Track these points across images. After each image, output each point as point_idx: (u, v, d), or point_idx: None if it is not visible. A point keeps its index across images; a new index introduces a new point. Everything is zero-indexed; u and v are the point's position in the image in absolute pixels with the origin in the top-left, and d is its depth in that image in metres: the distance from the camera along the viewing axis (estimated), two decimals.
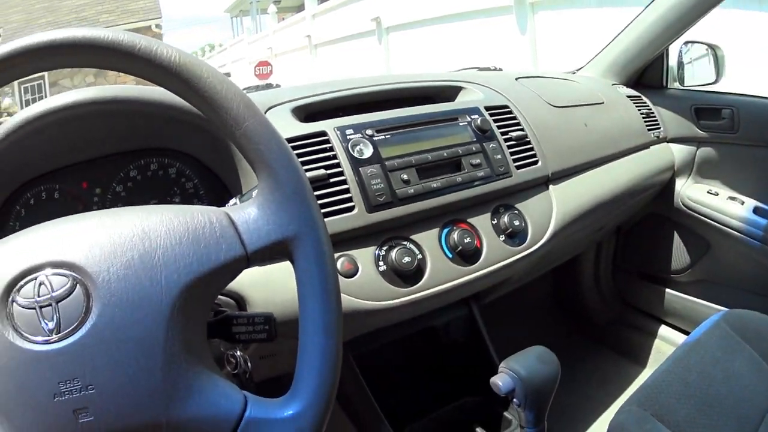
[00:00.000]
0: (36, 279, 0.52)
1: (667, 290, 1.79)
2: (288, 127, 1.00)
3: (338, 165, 0.97)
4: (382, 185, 0.97)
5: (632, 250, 1.90)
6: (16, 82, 12.68)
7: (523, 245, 1.09)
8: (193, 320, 0.55)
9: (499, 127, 1.16)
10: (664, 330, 1.81)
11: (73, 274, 0.52)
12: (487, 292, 1.25)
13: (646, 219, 1.80)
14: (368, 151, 0.99)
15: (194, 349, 0.54)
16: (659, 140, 1.64)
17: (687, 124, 1.66)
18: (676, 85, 1.72)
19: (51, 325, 0.50)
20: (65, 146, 0.95)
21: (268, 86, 1.48)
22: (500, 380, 0.87)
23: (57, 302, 0.51)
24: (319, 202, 0.89)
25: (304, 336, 0.56)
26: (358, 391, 1.13)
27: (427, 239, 1.01)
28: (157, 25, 13.45)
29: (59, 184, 0.98)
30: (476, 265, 1.03)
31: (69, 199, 0.99)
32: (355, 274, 0.93)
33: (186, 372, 0.52)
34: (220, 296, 0.80)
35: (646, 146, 1.58)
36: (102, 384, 0.50)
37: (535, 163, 1.19)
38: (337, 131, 1.00)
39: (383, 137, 1.03)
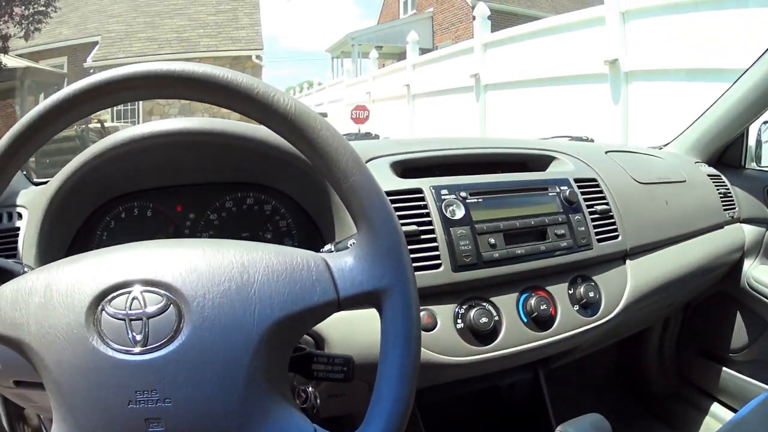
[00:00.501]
0: (129, 293, 0.56)
1: (724, 368, 1.77)
2: (386, 180, 1.05)
3: (430, 223, 1.02)
4: (469, 247, 1.02)
5: (696, 327, 1.89)
6: None
7: (595, 316, 1.12)
8: (278, 353, 0.58)
9: (585, 200, 1.20)
10: (716, 407, 1.78)
11: (168, 294, 0.56)
12: (556, 358, 1.27)
13: (712, 297, 1.79)
14: (460, 213, 1.04)
15: (274, 380, 0.58)
16: (733, 220, 1.64)
17: (759, 205, 1.67)
18: (753, 165, 1.73)
19: (138, 337, 0.55)
20: (165, 169, 1.02)
21: (367, 135, 1.56)
22: None
23: (148, 318, 0.55)
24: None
25: (380, 381, 0.59)
26: None
27: (506, 302, 1.05)
28: (258, 56, 13.60)
29: (153, 203, 1.05)
30: (548, 331, 1.06)
31: (161, 219, 1.06)
32: (433, 328, 0.98)
33: (263, 399, 0.56)
34: None
35: (720, 226, 1.58)
36: (180, 399, 0.53)
37: (616, 237, 1.21)
38: (432, 190, 1.05)
39: (476, 200, 1.07)
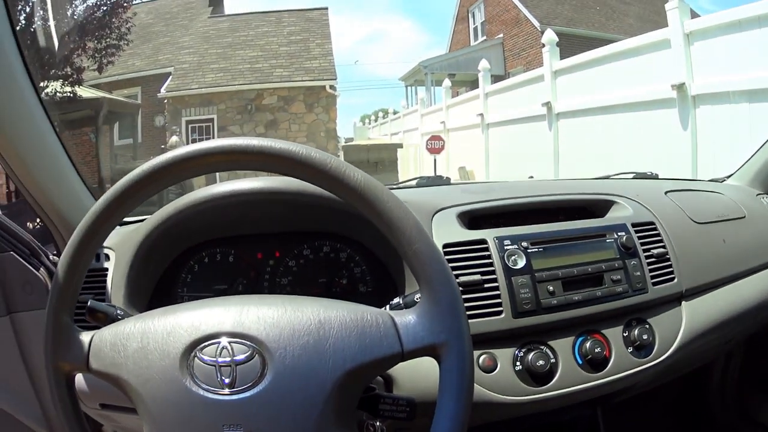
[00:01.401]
0: (219, 343, 0.68)
1: None
2: (454, 232, 1.17)
3: (493, 272, 1.12)
4: (529, 294, 1.11)
5: (760, 363, 1.88)
6: (184, 120, 13.57)
7: (648, 357, 1.18)
8: (348, 397, 0.70)
9: (642, 244, 1.26)
10: None
11: (254, 345, 0.68)
12: (613, 396, 1.31)
13: None
14: (521, 262, 1.14)
15: (344, 420, 0.69)
16: None
17: None
18: None
19: (227, 380, 0.66)
20: (246, 220, 1.14)
21: (439, 178, 1.68)
22: None
23: (236, 365, 0.67)
24: (472, 304, 1.08)
25: (436, 422, 0.69)
26: None
27: (563, 346, 1.13)
28: (332, 86, 13.71)
29: (235, 249, 1.18)
30: (602, 372, 1.13)
31: (243, 265, 1.18)
32: (493, 370, 1.08)
33: None
34: None
35: None
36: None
37: (672, 280, 1.26)
38: (496, 241, 1.15)
39: (536, 250, 1.16)
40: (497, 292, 1.11)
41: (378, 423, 0.88)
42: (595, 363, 1.13)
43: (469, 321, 1.03)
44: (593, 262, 1.19)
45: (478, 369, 1.07)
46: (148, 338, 0.71)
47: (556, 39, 8.83)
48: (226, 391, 0.66)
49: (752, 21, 5.28)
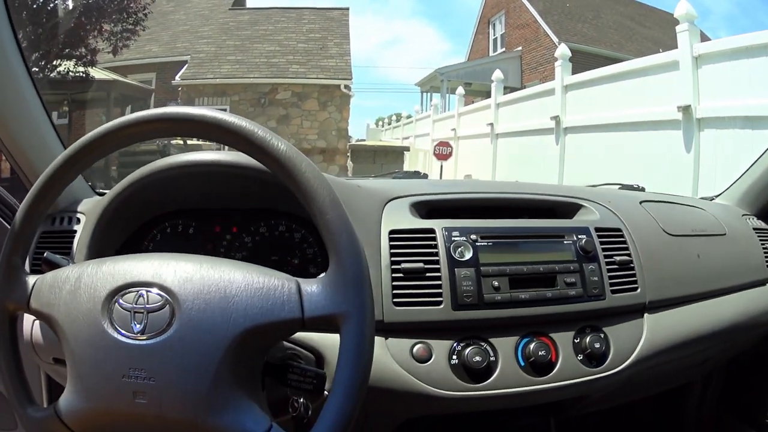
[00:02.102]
0: (138, 291, 0.73)
1: None
2: (404, 220, 1.14)
3: (437, 262, 1.09)
4: (471, 288, 1.07)
5: (739, 389, 1.81)
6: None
7: (600, 368, 1.13)
8: (247, 357, 0.72)
9: (604, 249, 1.21)
10: None
11: (166, 296, 0.72)
12: (565, 405, 1.28)
13: (756, 358, 1.71)
14: (468, 254, 1.10)
15: (240, 377, 0.71)
16: None
17: None
18: None
19: (139, 327, 0.71)
20: (208, 193, 1.15)
21: (416, 173, 1.67)
22: None
23: (148, 312, 0.71)
24: (412, 291, 1.06)
25: (331, 394, 0.70)
26: None
27: (504, 344, 1.09)
28: (347, 86, 13.92)
29: (196, 221, 1.19)
30: (547, 377, 1.09)
31: (201, 238, 1.20)
32: (427, 360, 1.04)
33: (228, 392, 0.69)
34: (302, 349, 0.97)
35: (761, 283, 1.52)
36: (161, 380, 0.68)
37: (634, 289, 1.21)
38: (444, 231, 1.12)
39: (485, 243, 1.13)
40: (438, 282, 1.08)
41: (302, 400, 0.87)
42: (538, 366, 1.09)
43: (408, 308, 1.05)
44: (547, 262, 1.15)
45: (411, 358, 1.04)
46: (80, 282, 0.75)
47: (569, 54, 8.88)
48: (137, 336, 0.70)
49: (761, 48, 5.29)
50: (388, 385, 1.03)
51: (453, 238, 1.11)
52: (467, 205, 1.26)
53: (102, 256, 1.10)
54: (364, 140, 13.51)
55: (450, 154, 11.55)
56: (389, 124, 22.09)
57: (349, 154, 13.02)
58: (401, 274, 1.07)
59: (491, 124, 10.97)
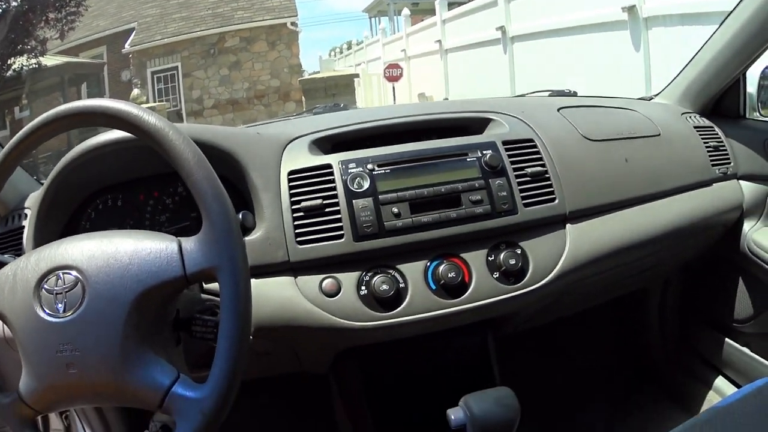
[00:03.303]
0: (57, 274, 0.81)
1: (729, 340, 1.70)
2: (300, 158, 1.17)
3: (336, 196, 1.11)
4: (371, 217, 1.09)
5: (698, 292, 1.83)
6: (149, 72, 14.22)
7: (519, 284, 1.14)
8: (146, 316, 0.80)
9: (513, 162, 1.21)
10: (720, 381, 1.73)
11: (78, 275, 0.80)
12: (500, 324, 1.30)
13: (713, 261, 1.72)
14: (365, 185, 1.12)
15: (146, 336, 0.80)
16: (726, 177, 1.55)
17: (760, 160, 1.56)
18: (756, 115, 1.62)
19: (61, 306, 0.79)
20: (123, 167, 1.21)
21: (336, 106, 1.66)
22: (453, 413, 0.96)
23: (66, 292, 0.80)
24: (313, 228, 1.09)
25: (217, 344, 0.78)
26: (356, 396, 1.28)
27: (412, 270, 1.11)
28: (293, 23, 14.12)
29: (122, 194, 1.25)
30: (460, 299, 1.11)
31: (128, 207, 1.25)
32: (336, 294, 1.08)
33: (136, 351, 0.78)
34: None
35: (706, 183, 1.51)
36: (84, 350, 0.78)
37: (551, 201, 1.21)
38: (341, 165, 1.14)
39: (383, 171, 1.14)
40: (338, 216, 1.10)
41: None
42: (450, 288, 1.11)
43: (312, 245, 1.09)
44: (447, 182, 1.16)
45: (321, 294, 1.08)
46: (16, 277, 0.84)
47: None
48: (61, 315, 0.79)
49: None
50: (302, 323, 1.07)
51: (350, 170, 1.13)
52: (370, 134, 1.26)
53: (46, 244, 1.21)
54: (318, 72, 13.73)
55: (401, 76, 11.93)
56: (341, 53, 22.33)
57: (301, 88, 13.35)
58: (302, 213, 1.10)
59: (439, 41, 11.25)
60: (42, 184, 1.39)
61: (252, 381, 1.12)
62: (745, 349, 1.66)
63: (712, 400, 1.73)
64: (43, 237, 1.14)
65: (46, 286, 0.81)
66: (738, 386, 1.67)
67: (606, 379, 2.02)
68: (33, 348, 0.81)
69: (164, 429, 0.96)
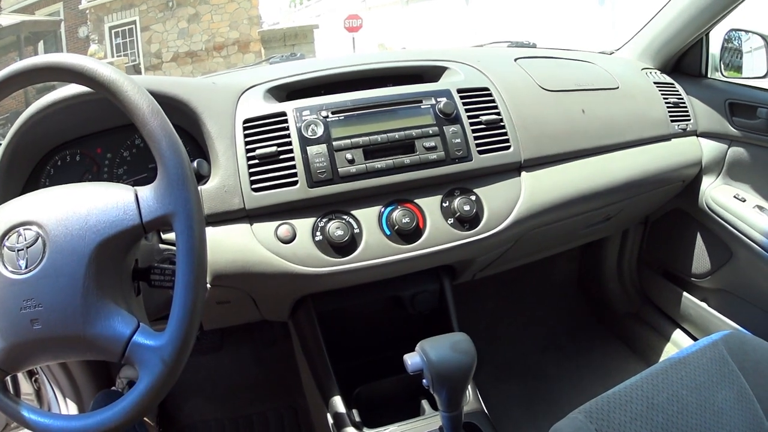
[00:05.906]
0: (17, 231, 0.84)
1: (687, 294, 1.80)
2: (255, 107, 1.20)
3: (290, 143, 1.15)
4: (325, 163, 1.14)
5: (657, 245, 1.91)
6: (107, 27, 14.19)
7: (474, 231, 1.20)
8: (106, 266, 0.84)
9: (468, 110, 1.26)
10: (677, 334, 1.83)
11: (38, 230, 0.83)
12: (457, 270, 1.37)
13: (672, 214, 1.80)
14: (319, 131, 1.16)
15: (106, 287, 0.83)
16: (686, 133, 1.63)
17: (719, 119, 1.63)
18: (718, 75, 1.68)
19: (23, 263, 0.82)
20: (80, 122, 1.23)
21: (292, 56, 1.68)
22: (410, 359, 0.99)
23: (27, 248, 0.83)
24: (268, 175, 1.13)
25: (175, 288, 0.82)
26: (315, 343, 1.32)
27: (367, 216, 1.16)
28: None
29: (80, 149, 1.27)
30: (415, 244, 1.16)
31: (87, 161, 1.28)
32: (291, 240, 1.12)
33: (96, 302, 0.82)
34: None
35: (665, 138, 1.58)
36: (47, 304, 0.81)
37: (506, 148, 1.26)
38: (295, 112, 1.18)
39: (337, 118, 1.18)
40: (293, 163, 1.14)
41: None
42: (404, 234, 1.16)
43: (267, 192, 1.13)
44: (401, 129, 1.20)
45: (277, 240, 1.12)
46: None
47: None
48: (23, 271, 0.82)
49: None
50: (258, 269, 1.11)
51: (304, 118, 1.17)
52: (325, 83, 1.30)
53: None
54: (278, 23, 13.77)
55: (360, 26, 12.22)
56: (301, 4, 22.59)
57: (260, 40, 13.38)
58: (256, 161, 1.14)
59: None
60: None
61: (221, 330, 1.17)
62: (703, 304, 1.76)
63: (669, 351, 1.83)
64: (3, 196, 1.13)
65: (7, 244, 0.83)
66: (695, 339, 1.73)
67: (567, 329, 2.11)
68: (3, 313, 0.83)
69: (131, 384, 1.01)
